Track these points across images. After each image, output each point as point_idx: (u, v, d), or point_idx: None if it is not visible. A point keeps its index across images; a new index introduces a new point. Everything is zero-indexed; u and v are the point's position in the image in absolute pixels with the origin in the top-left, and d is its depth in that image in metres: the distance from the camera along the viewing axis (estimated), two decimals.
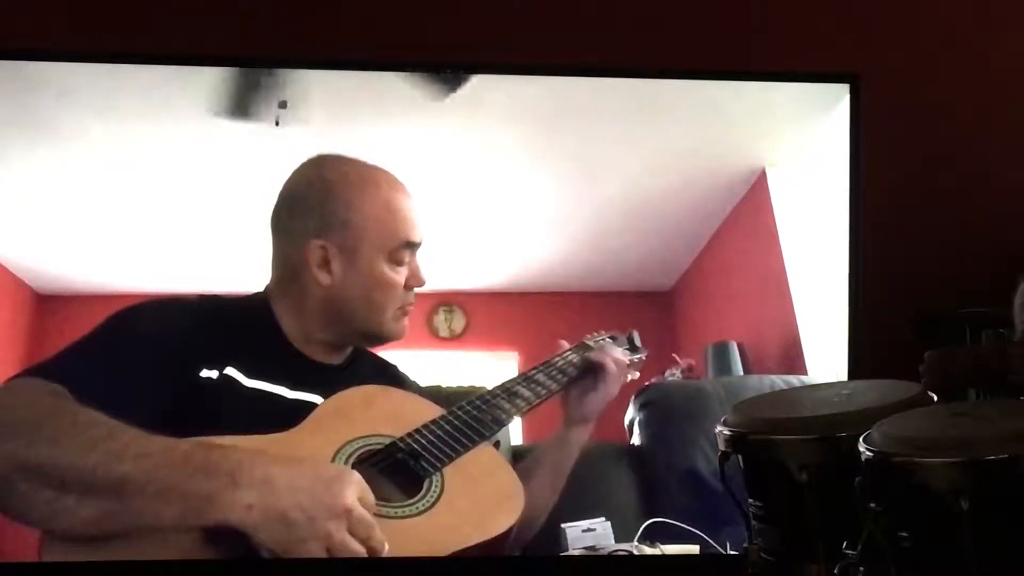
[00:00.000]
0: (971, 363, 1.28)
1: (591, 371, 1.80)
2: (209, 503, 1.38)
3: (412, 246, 1.70)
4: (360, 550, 1.42)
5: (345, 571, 1.49)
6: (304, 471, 1.43)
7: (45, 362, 1.55)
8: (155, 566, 1.45)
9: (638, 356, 1.92)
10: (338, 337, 1.71)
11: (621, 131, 1.99)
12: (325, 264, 1.66)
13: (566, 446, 1.78)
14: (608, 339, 1.87)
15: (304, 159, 1.73)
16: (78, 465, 1.39)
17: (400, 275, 1.69)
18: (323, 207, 1.66)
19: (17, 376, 1.54)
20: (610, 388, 1.80)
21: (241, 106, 1.86)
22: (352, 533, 1.41)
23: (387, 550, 1.44)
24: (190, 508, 1.37)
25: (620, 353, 1.85)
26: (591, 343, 1.86)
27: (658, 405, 2.00)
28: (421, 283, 1.72)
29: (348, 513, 1.40)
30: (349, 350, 1.75)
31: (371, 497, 1.47)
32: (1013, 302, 1.33)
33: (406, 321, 1.73)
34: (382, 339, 1.73)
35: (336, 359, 1.73)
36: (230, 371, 1.61)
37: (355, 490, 1.43)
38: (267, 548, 1.39)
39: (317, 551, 1.39)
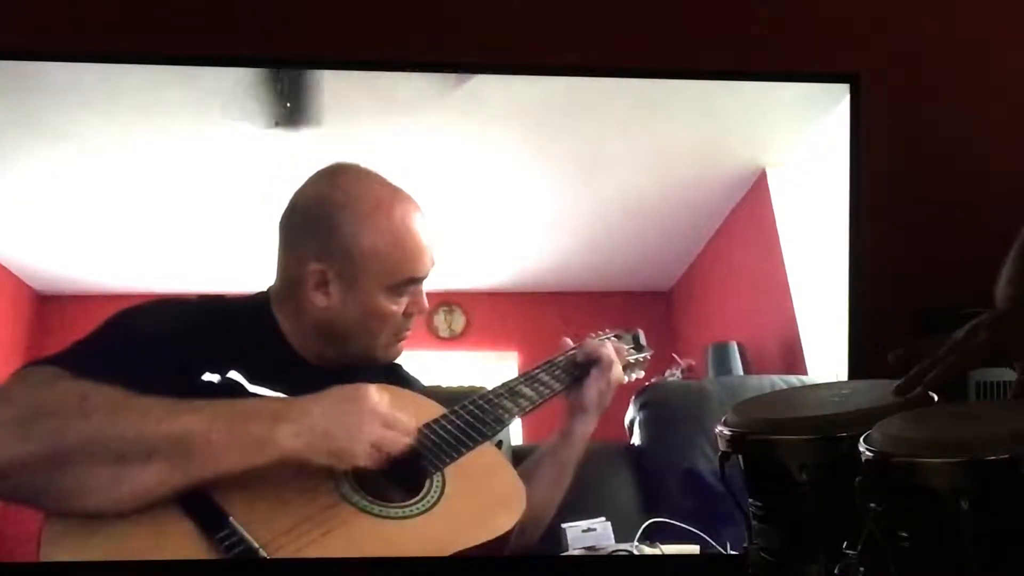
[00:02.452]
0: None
1: (588, 363, 1.80)
2: (263, 442, 1.47)
3: (415, 281, 1.69)
4: (407, 440, 1.52)
5: (347, 571, 1.49)
6: (328, 398, 1.56)
7: (46, 357, 1.56)
8: (155, 566, 1.45)
9: (643, 355, 1.92)
10: (331, 353, 1.70)
11: (621, 131, 1.99)
12: (323, 287, 1.65)
13: (569, 439, 1.78)
14: (612, 337, 1.87)
15: (308, 161, 1.72)
16: (140, 429, 1.45)
17: (399, 305, 1.68)
18: (329, 232, 1.64)
19: (24, 367, 1.55)
20: (607, 377, 1.79)
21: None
22: (391, 428, 1.53)
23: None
24: (249, 450, 1.47)
25: (616, 345, 1.85)
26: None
27: (658, 405, 2.00)
28: (423, 311, 1.72)
29: (376, 413, 1.52)
30: None
31: (386, 398, 1.55)
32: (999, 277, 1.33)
33: (400, 345, 1.73)
34: (375, 362, 1.73)
35: (336, 362, 1.73)
36: (233, 375, 1.61)
37: (373, 394, 1.54)
38: (321, 464, 1.49)
39: (368, 451, 1.51)
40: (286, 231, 1.69)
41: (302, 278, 1.65)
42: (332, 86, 1.88)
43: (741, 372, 2.05)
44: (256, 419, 1.48)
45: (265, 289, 1.73)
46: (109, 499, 1.43)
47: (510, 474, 1.66)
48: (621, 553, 1.81)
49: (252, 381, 1.62)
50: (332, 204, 1.66)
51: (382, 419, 1.52)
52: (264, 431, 1.46)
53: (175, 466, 1.44)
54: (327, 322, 1.66)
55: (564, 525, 1.81)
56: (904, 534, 1.06)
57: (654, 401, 1.99)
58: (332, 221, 1.65)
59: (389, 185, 1.70)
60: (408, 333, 1.73)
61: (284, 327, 1.69)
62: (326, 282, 1.65)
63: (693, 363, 2.04)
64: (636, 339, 1.94)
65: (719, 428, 1.29)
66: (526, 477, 1.67)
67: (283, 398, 1.59)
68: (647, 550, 1.81)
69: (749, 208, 2.06)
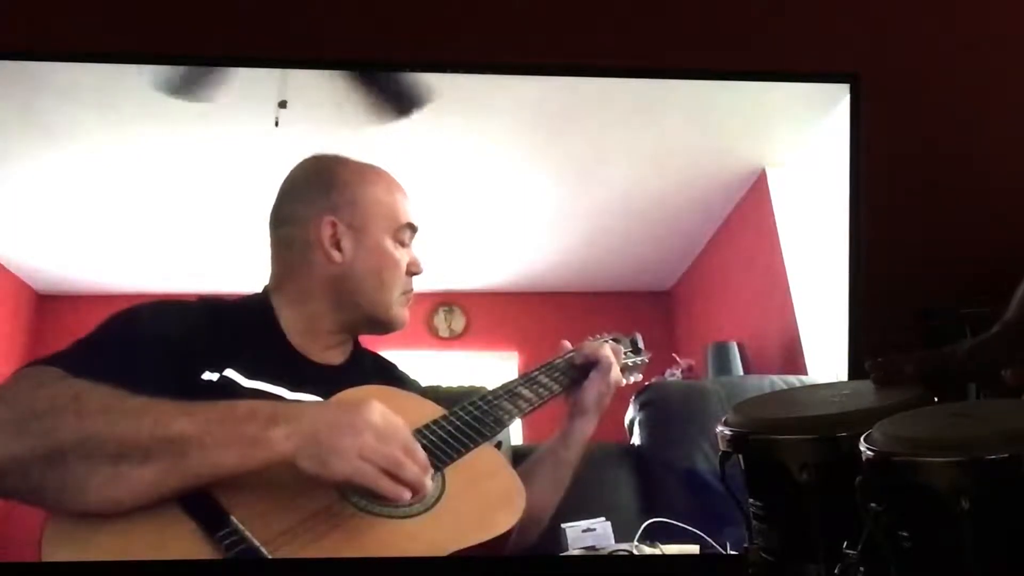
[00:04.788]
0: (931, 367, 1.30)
1: (587, 364, 1.81)
2: (258, 444, 1.45)
3: (412, 228, 1.74)
4: (396, 454, 1.47)
5: (347, 571, 1.49)
6: (329, 404, 1.57)
7: (44, 358, 1.56)
8: (155, 566, 1.45)
9: (640, 359, 1.92)
10: (344, 324, 1.71)
11: (621, 131, 1.99)
12: (336, 242, 1.69)
13: (568, 440, 1.78)
14: (611, 340, 1.87)
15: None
16: (135, 431, 1.43)
17: (403, 256, 1.73)
18: (331, 190, 1.71)
19: (24, 367, 1.54)
20: (606, 379, 1.79)
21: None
22: (384, 443, 1.47)
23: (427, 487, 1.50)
24: (244, 452, 1.45)
25: (614, 347, 1.85)
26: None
27: (658, 405, 2.00)
28: (419, 270, 1.75)
29: (372, 427, 1.47)
30: (350, 349, 1.75)
31: (396, 420, 1.51)
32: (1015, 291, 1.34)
33: (407, 310, 1.74)
34: (387, 324, 1.74)
35: (336, 358, 1.73)
36: (229, 373, 1.61)
37: (376, 411, 1.49)
38: (309, 471, 1.45)
39: (351, 461, 1.45)
40: (284, 210, 1.73)
41: (316, 238, 1.69)
42: (332, 86, 1.88)
43: (741, 372, 2.05)
44: (251, 420, 1.48)
45: (261, 289, 1.73)
46: (106, 499, 1.42)
47: (510, 474, 1.66)
48: (621, 553, 1.81)
49: (250, 378, 1.62)
50: (326, 171, 1.73)
51: (376, 432, 1.48)
52: (258, 432, 1.46)
53: (171, 468, 1.43)
54: (343, 280, 1.69)
55: (564, 525, 1.81)
56: (904, 534, 1.06)
57: (654, 401, 1.99)
58: (332, 182, 1.72)
59: (367, 163, 1.76)
60: (411, 295, 1.75)
61: (284, 321, 1.69)
62: (338, 237, 1.69)
63: (693, 363, 2.04)
64: (634, 343, 1.94)
65: (719, 428, 1.29)
66: (525, 477, 1.67)
67: (281, 401, 1.58)
68: (647, 550, 1.81)
69: (749, 208, 2.06)
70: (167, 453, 1.43)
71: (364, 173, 1.74)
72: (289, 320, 1.70)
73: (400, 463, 1.47)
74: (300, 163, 1.75)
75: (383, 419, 1.50)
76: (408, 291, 1.74)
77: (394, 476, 1.46)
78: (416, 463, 1.49)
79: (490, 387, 1.75)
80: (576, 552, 1.81)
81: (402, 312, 1.74)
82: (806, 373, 2.02)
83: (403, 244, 1.73)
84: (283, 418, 1.48)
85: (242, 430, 1.46)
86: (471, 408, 1.68)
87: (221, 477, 1.45)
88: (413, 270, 1.75)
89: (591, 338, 1.86)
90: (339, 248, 1.69)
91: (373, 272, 1.71)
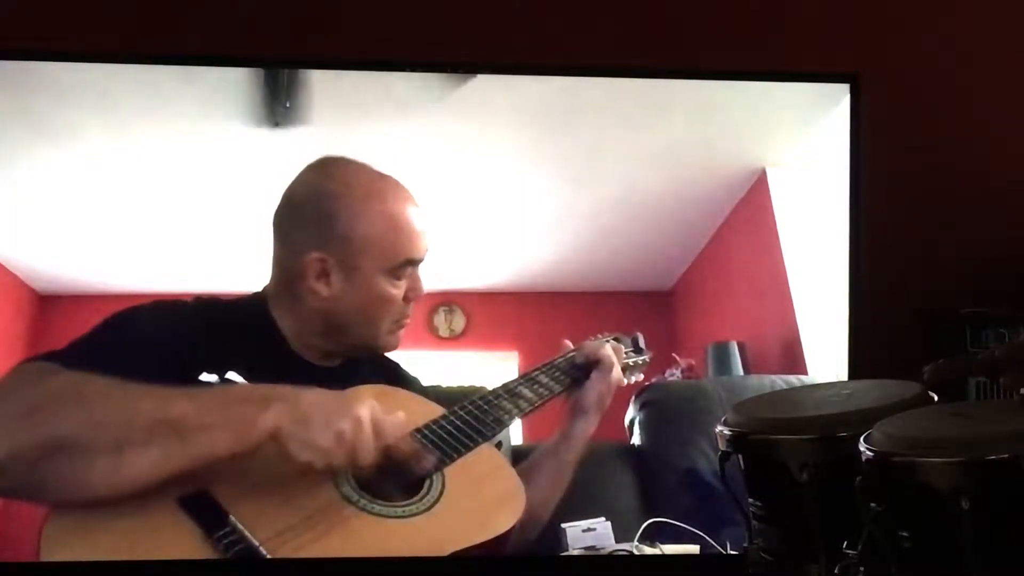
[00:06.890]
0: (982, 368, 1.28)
1: (588, 364, 1.81)
2: (252, 425, 1.46)
3: (413, 263, 1.70)
4: (370, 447, 1.48)
5: (346, 570, 1.49)
6: (324, 391, 1.54)
7: (40, 355, 1.56)
8: (154, 566, 1.45)
9: (642, 358, 1.93)
10: (333, 346, 1.71)
11: (621, 131, 1.99)
12: (323, 276, 1.66)
13: (569, 439, 1.78)
14: (612, 340, 1.87)
15: (308, 161, 1.73)
16: (136, 414, 1.44)
17: (399, 289, 1.69)
18: (324, 220, 1.66)
19: (20, 364, 1.55)
20: (607, 379, 1.79)
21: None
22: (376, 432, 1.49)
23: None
24: (239, 433, 1.46)
25: (615, 346, 1.85)
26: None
27: (658, 405, 2.00)
28: (421, 295, 1.73)
29: (359, 420, 1.48)
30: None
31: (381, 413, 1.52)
32: None
33: (401, 334, 1.73)
34: (375, 351, 1.73)
35: (336, 361, 1.73)
36: (231, 376, 1.61)
37: (367, 403, 1.50)
38: (295, 452, 1.46)
39: (330, 443, 1.46)
40: (280, 226, 1.70)
41: (302, 270, 1.66)
42: (332, 86, 1.88)
43: (741, 372, 2.05)
44: (247, 402, 1.49)
45: (261, 289, 1.73)
46: (106, 485, 1.43)
47: (509, 474, 1.66)
48: (621, 553, 1.81)
49: (251, 380, 1.62)
50: (326, 194, 1.67)
51: (370, 423, 1.49)
52: (253, 412, 1.47)
53: (170, 450, 1.44)
54: (329, 312, 1.67)
55: (564, 525, 1.81)
56: (904, 534, 1.06)
57: (654, 401, 1.99)
58: (328, 210, 1.66)
59: (379, 173, 1.71)
60: (408, 320, 1.73)
61: (282, 325, 1.69)
62: (327, 272, 1.65)
63: (693, 363, 2.04)
64: (636, 342, 1.94)
65: (719, 428, 1.29)
66: (525, 477, 1.67)
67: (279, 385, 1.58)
68: (647, 550, 1.81)
69: (749, 208, 2.06)
70: (167, 435, 1.44)
71: (366, 202, 1.67)
72: (286, 326, 1.69)
73: (369, 450, 1.49)
74: (307, 172, 1.71)
75: (375, 408, 1.51)
76: (403, 318, 1.71)
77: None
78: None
79: (490, 387, 1.75)
80: (576, 552, 1.81)
81: (391, 339, 1.72)
82: (806, 373, 2.02)
83: (399, 279, 1.68)
84: (277, 397, 1.49)
85: (238, 411, 1.47)
86: (471, 408, 1.68)
87: (220, 458, 1.46)
88: (411, 296, 1.71)
89: (592, 338, 1.86)
90: (327, 283, 1.65)
91: (360, 308, 1.68)
